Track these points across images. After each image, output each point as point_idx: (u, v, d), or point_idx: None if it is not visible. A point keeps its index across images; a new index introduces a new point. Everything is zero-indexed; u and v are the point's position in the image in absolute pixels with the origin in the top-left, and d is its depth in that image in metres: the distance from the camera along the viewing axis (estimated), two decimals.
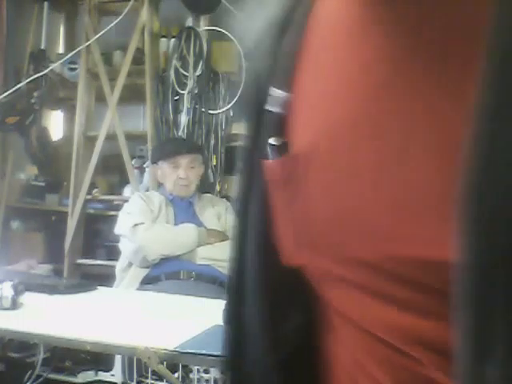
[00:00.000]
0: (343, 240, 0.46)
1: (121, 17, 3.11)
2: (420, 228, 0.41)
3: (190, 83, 3.06)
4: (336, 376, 0.53)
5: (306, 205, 0.49)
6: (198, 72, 3.07)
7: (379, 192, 0.44)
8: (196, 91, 3.06)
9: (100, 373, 2.49)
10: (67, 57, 3.36)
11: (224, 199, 2.91)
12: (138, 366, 1.57)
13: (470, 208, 0.37)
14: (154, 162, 2.84)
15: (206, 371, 1.70)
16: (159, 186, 2.91)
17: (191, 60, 3.07)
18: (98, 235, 3.49)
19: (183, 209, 2.73)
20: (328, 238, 0.47)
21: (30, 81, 3.22)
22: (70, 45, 3.72)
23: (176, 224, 2.64)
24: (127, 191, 3.25)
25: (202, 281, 2.52)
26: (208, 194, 2.91)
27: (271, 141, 0.51)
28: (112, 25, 3.15)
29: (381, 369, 0.47)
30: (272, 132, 0.51)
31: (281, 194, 0.51)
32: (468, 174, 0.37)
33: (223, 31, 3.11)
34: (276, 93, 0.52)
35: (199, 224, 2.66)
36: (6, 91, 3.13)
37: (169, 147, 2.83)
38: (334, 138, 0.47)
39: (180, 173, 2.69)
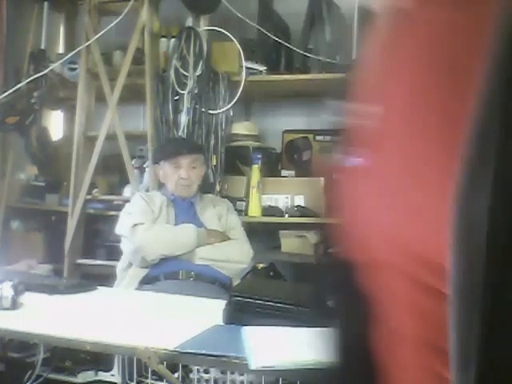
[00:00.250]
0: (366, 242, 0.54)
1: (121, 17, 3.11)
2: (429, 235, 0.48)
3: (190, 83, 3.06)
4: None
5: (349, 209, 0.58)
6: (198, 72, 3.07)
7: (395, 206, 0.52)
8: (196, 91, 3.06)
9: (100, 373, 2.49)
10: (67, 57, 3.36)
11: (226, 199, 2.91)
12: (137, 366, 1.57)
13: (454, 224, 0.43)
14: (156, 162, 2.84)
15: (206, 371, 1.70)
16: (161, 186, 2.90)
17: (191, 60, 3.07)
18: (98, 235, 3.49)
19: (184, 209, 2.73)
20: (357, 240, 0.55)
21: (30, 81, 3.21)
22: (70, 45, 3.72)
23: (177, 224, 2.64)
24: (127, 191, 3.25)
25: (202, 281, 2.52)
26: (210, 195, 2.91)
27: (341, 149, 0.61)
28: (112, 25, 3.15)
29: (402, 370, 0.51)
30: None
31: (339, 195, 0.61)
32: (456, 194, 0.43)
33: (223, 31, 3.11)
34: (350, 105, 0.60)
35: (200, 224, 2.66)
36: (5, 91, 3.12)
37: (170, 147, 2.83)
38: (367, 155, 0.56)
39: (181, 173, 2.69)
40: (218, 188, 3.05)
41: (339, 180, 0.60)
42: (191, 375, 1.70)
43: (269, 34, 3.07)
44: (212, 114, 3.08)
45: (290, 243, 3.17)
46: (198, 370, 1.69)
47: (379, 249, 0.52)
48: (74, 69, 3.39)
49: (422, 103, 0.50)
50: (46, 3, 3.56)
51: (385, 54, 0.56)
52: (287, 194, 3.14)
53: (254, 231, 2.94)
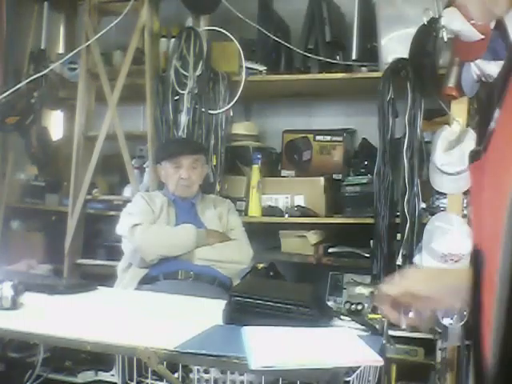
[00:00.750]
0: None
1: (121, 17, 3.11)
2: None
3: (190, 83, 3.05)
4: None
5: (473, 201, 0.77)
6: (198, 72, 3.07)
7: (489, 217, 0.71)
8: (196, 91, 3.06)
9: (100, 373, 2.49)
10: (67, 57, 3.36)
11: (227, 200, 2.91)
12: (137, 366, 1.57)
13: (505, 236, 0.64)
14: (158, 162, 2.83)
15: (206, 371, 1.70)
16: (161, 186, 2.90)
17: (191, 60, 3.07)
18: (98, 235, 3.49)
19: (185, 209, 2.72)
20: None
21: (30, 81, 3.21)
22: (70, 45, 3.71)
23: (177, 225, 2.64)
24: (127, 191, 3.25)
25: (201, 281, 2.52)
26: (211, 195, 2.91)
27: (475, 148, 0.75)
28: (112, 25, 3.14)
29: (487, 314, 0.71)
30: (479, 141, 0.75)
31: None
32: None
33: (223, 31, 3.11)
34: (496, 112, 0.72)
35: (200, 225, 2.65)
36: (5, 91, 3.12)
37: (172, 147, 2.83)
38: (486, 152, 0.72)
39: (182, 173, 2.69)
40: (218, 188, 3.05)
41: (472, 172, 0.77)
42: (191, 375, 1.70)
43: (269, 34, 3.07)
44: (212, 114, 3.08)
45: (290, 243, 3.17)
46: (198, 370, 1.69)
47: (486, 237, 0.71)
48: (74, 69, 3.39)
49: None
50: (45, 3, 3.55)
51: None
52: (287, 194, 3.14)
53: (254, 231, 2.94)
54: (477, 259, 0.77)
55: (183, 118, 3.05)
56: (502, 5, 0.70)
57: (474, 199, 0.76)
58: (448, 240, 2.53)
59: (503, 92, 0.71)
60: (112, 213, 3.12)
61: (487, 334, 0.71)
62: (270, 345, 1.40)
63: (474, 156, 0.74)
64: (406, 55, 2.76)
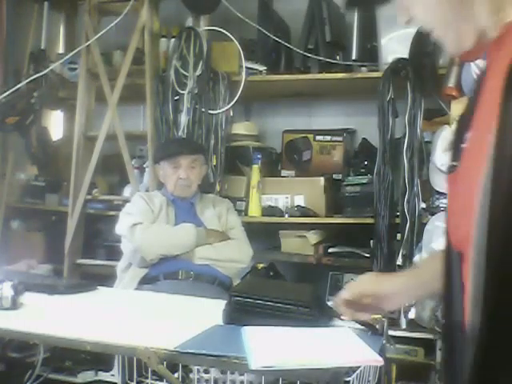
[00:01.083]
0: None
1: (121, 17, 3.11)
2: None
3: (190, 83, 3.06)
4: None
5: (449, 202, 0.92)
6: (198, 72, 3.07)
7: (462, 210, 0.82)
8: (196, 91, 3.06)
9: (100, 373, 2.49)
10: (67, 57, 3.36)
11: (226, 199, 2.91)
12: (137, 366, 1.57)
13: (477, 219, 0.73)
14: (157, 162, 2.83)
15: (206, 371, 1.70)
16: (161, 186, 2.90)
17: (191, 60, 3.07)
18: (98, 235, 3.49)
19: (184, 209, 2.73)
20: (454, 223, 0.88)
21: (30, 81, 3.21)
22: (70, 45, 3.72)
23: (177, 224, 2.64)
24: (127, 191, 3.25)
25: (201, 281, 2.52)
26: (210, 194, 2.91)
27: (451, 163, 0.88)
28: (112, 25, 3.15)
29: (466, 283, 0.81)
30: (454, 157, 0.88)
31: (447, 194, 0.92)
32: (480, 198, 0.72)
33: (223, 31, 3.11)
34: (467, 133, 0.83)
35: (200, 224, 2.66)
36: (5, 91, 3.12)
37: (170, 148, 2.83)
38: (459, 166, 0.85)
39: (180, 173, 2.69)
40: (217, 188, 3.05)
41: (448, 183, 0.89)
42: (191, 375, 1.70)
43: (269, 34, 3.07)
44: (212, 114, 3.08)
45: (289, 243, 3.17)
46: (198, 370, 1.69)
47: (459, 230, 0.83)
48: (74, 69, 3.39)
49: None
50: (46, 3, 3.56)
51: (479, 91, 0.83)
52: (287, 194, 3.14)
53: (254, 231, 2.94)
54: (451, 257, 0.88)
55: (183, 118, 3.06)
56: (470, 41, 0.84)
57: (450, 204, 0.91)
58: None
59: (473, 112, 0.83)
60: (112, 213, 3.12)
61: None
62: (270, 345, 1.40)
63: (450, 169, 0.88)
64: (406, 55, 2.76)
